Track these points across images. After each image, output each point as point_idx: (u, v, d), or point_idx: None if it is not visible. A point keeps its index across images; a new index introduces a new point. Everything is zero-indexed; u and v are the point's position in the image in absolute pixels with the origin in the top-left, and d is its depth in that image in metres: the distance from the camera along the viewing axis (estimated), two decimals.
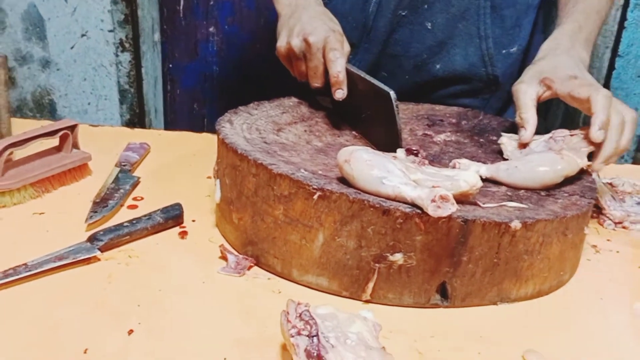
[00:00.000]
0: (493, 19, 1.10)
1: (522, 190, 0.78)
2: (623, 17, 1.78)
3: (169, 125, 2.17)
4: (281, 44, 0.96)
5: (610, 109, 0.81)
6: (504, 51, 1.13)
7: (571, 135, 0.85)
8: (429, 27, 1.10)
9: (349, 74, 0.90)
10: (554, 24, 1.08)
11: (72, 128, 0.95)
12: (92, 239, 0.77)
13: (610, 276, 0.81)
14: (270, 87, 1.11)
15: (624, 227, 0.92)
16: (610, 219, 0.92)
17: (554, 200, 0.76)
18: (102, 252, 0.76)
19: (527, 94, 0.90)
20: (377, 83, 0.87)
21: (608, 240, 0.89)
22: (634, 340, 0.69)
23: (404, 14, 1.10)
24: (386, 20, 1.10)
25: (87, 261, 0.75)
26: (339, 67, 0.89)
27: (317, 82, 0.94)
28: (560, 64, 0.92)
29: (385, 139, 0.87)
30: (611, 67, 1.84)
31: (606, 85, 1.84)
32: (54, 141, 0.95)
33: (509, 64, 1.14)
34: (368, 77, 0.89)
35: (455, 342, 0.66)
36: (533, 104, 0.89)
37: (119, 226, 0.80)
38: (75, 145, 0.97)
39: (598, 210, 0.94)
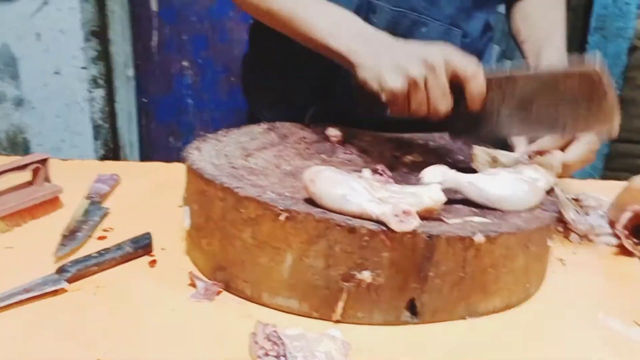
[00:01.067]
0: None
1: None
2: (584, 40, 1.84)
3: (144, 160, 2.17)
4: (394, 82, 0.84)
5: None
6: None
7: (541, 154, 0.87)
8: None
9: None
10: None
11: (43, 162, 0.96)
12: (60, 270, 0.77)
13: (576, 288, 0.82)
14: (245, 119, 1.13)
15: (589, 240, 0.94)
16: (575, 233, 0.94)
17: (518, 214, 0.78)
18: (69, 283, 0.76)
19: None
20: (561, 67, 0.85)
21: (574, 253, 0.91)
22: (601, 350, 0.70)
23: None
24: None
25: (54, 293, 0.75)
26: (480, 82, 0.84)
27: (445, 105, 0.85)
28: None
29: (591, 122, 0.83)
30: None
31: None
32: (28, 176, 0.95)
33: None
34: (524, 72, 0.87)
35: (425, 358, 0.66)
36: None
37: (87, 257, 0.80)
38: (46, 179, 0.97)
39: (564, 224, 0.96)
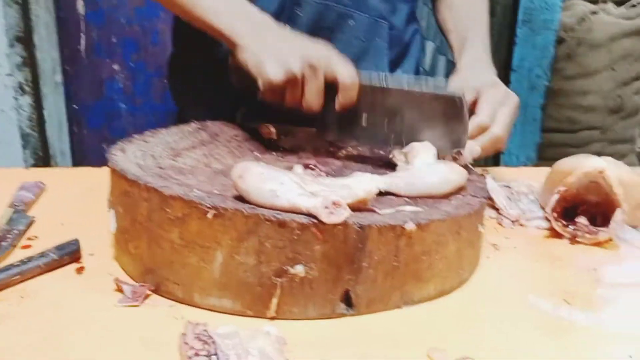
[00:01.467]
0: (388, 57, 1.15)
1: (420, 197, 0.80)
2: (512, 33, 1.88)
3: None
4: (275, 72, 0.87)
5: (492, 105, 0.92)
6: None
7: None
8: None
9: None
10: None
11: None
12: None
13: (509, 272, 0.83)
14: (179, 120, 1.10)
15: (520, 225, 0.96)
16: (507, 218, 0.96)
17: (448, 201, 0.78)
18: None
19: None
20: (431, 91, 0.90)
21: (506, 238, 0.92)
22: (532, 330, 0.71)
23: None
24: None
25: None
26: (353, 92, 0.89)
27: (317, 104, 0.90)
28: (480, 74, 1.03)
29: (444, 144, 0.90)
30: (506, 81, 1.94)
31: None
32: None
33: None
34: (399, 87, 0.92)
35: (362, 349, 0.66)
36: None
37: (9, 267, 0.76)
38: None
39: (496, 211, 0.97)
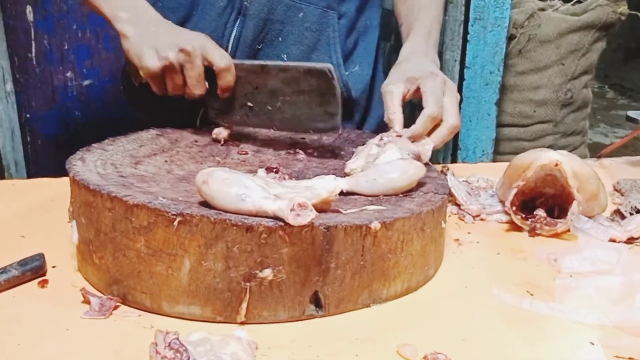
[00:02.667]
0: (342, 47, 1.15)
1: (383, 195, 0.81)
2: (465, 31, 1.91)
3: (32, 178, 2.05)
4: (151, 61, 0.94)
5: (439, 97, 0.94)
6: (347, 72, 1.18)
7: (397, 136, 0.91)
8: (285, 58, 1.13)
9: (242, 67, 0.96)
10: (395, 31, 1.18)
11: None
12: None
13: (472, 265, 0.85)
14: (136, 127, 1.08)
15: (482, 220, 0.98)
16: (468, 214, 0.98)
17: (411, 199, 0.79)
18: None
19: (393, 94, 0.97)
20: (303, 64, 0.94)
21: (469, 233, 0.94)
22: (497, 322, 0.73)
23: (259, 47, 1.12)
24: (244, 54, 1.12)
25: None
26: (230, 75, 0.95)
27: (200, 90, 0.96)
28: (418, 63, 1.04)
29: (316, 118, 0.95)
30: (461, 78, 1.97)
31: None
32: None
33: (356, 81, 1.20)
34: (282, 63, 0.95)
35: (332, 348, 0.67)
36: (399, 104, 0.97)
37: None
38: None
39: (457, 207, 0.99)
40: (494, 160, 2.22)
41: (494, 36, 1.97)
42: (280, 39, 1.13)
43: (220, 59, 0.94)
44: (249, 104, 0.99)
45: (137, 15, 0.98)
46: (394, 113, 0.96)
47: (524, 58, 2.20)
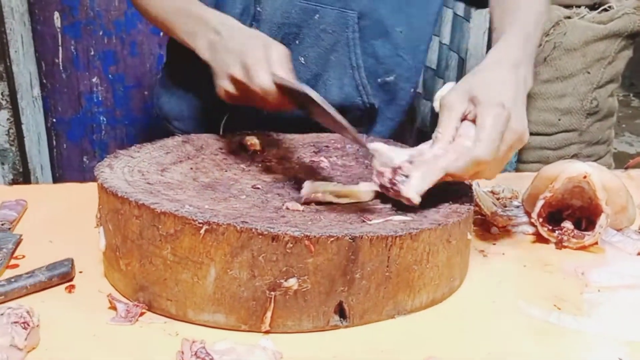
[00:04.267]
0: (364, 49, 1.13)
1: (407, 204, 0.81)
2: (490, 39, 1.90)
3: (57, 182, 2.08)
4: (220, 93, 0.93)
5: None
6: (379, 80, 1.16)
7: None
8: (303, 62, 1.12)
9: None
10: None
11: None
12: None
13: (498, 277, 0.84)
14: (161, 132, 1.10)
15: (507, 231, 0.97)
16: (493, 224, 0.97)
17: (436, 210, 0.79)
18: None
19: (452, 111, 0.80)
20: (294, 85, 0.85)
21: (494, 244, 0.93)
22: (524, 336, 0.72)
23: None
24: None
25: None
26: (271, 97, 0.88)
27: (268, 104, 0.90)
28: (495, 82, 0.82)
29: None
30: None
31: None
32: None
33: (386, 92, 1.18)
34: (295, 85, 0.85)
35: None
36: (455, 124, 0.80)
37: None
38: None
39: (482, 217, 0.98)
40: (517, 169, 2.20)
41: None
42: (297, 42, 1.12)
43: (259, 82, 0.86)
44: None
45: (207, 37, 0.98)
46: (441, 133, 0.79)
47: (549, 66, 2.18)
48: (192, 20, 1.01)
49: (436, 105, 0.85)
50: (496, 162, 0.78)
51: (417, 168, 0.78)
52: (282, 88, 0.86)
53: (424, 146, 0.82)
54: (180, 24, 1.03)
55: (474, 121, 0.79)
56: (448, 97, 0.82)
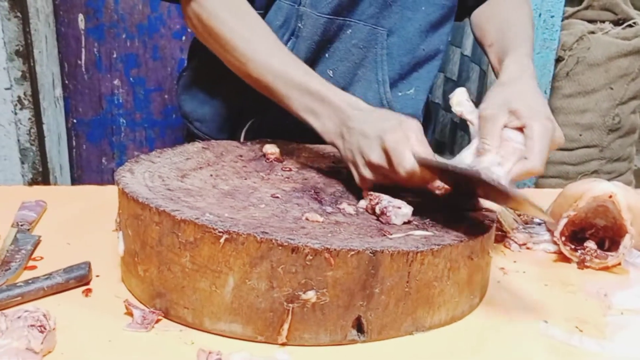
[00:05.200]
0: (390, 65, 1.14)
1: (428, 219, 0.80)
2: None
3: (75, 182, 2.10)
4: (362, 170, 0.85)
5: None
6: (400, 94, 1.17)
7: None
8: (331, 75, 1.13)
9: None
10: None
11: None
12: None
13: (518, 296, 0.83)
14: (180, 137, 1.10)
15: (528, 248, 0.95)
16: (514, 241, 0.95)
17: (458, 226, 0.78)
18: None
19: (495, 122, 0.84)
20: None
21: (514, 261, 0.92)
22: (543, 357, 0.70)
23: (309, 65, 1.12)
24: None
25: None
26: (417, 178, 0.81)
27: (411, 185, 0.84)
28: (528, 93, 0.88)
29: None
30: None
31: None
32: None
33: (406, 105, 1.19)
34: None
35: None
36: (499, 133, 0.84)
37: (11, 286, 0.75)
38: None
39: (503, 234, 0.97)
40: (536, 183, 2.18)
41: (542, 58, 1.94)
42: (327, 55, 1.13)
43: (402, 168, 0.80)
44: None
45: (330, 118, 0.91)
46: (491, 141, 0.82)
47: (571, 81, 2.16)
48: (313, 98, 0.93)
49: (455, 109, 0.90)
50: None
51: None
52: (426, 166, 0.81)
53: (465, 152, 0.85)
54: (296, 98, 0.94)
55: (518, 129, 0.83)
56: (488, 109, 0.85)
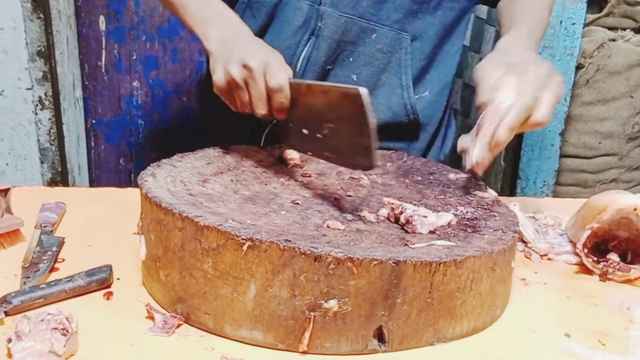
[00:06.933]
0: (413, 70, 1.14)
1: (450, 229, 0.79)
2: None
3: (93, 183, 2.11)
4: (219, 76, 0.94)
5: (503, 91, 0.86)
6: (416, 96, 1.17)
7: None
8: (355, 79, 1.13)
9: (299, 88, 0.90)
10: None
11: (5, 192, 0.90)
12: (2, 301, 0.73)
13: (540, 308, 0.82)
14: (198, 140, 1.10)
15: (549, 259, 0.95)
16: (535, 252, 0.95)
17: (480, 236, 0.77)
18: (10, 315, 0.72)
19: (491, 76, 0.88)
20: (341, 85, 0.85)
21: (535, 272, 0.91)
22: None
23: (330, 68, 1.13)
24: (314, 74, 1.12)
25: None
26: (282, 96, 0.90)
27: (262, 110, 0.93)
28: (524, 54, 0.94)
29: (354, 151, 0.84)
30: None
31: None
32: None
33: (424, 107, 1.18)
34: (327, 83, 0.89)
35: None
36: (494, 87, 0.87)
37: (34, 288, 0.75)
38: (8, 210, 0.91)
39: (524, 244, 0.96)
40: (554, 191, 2.16)
41: (562, 65, 1.92)
42: (351, 59, 1.13)
43: (272, 77, 0.90)
44: (305, 131, 0.92)
45: (223, 31, 0.99)
46: (485, 96, 0.87)
47: (591, 88, 2.13)
48: (211, 11, 1.02)
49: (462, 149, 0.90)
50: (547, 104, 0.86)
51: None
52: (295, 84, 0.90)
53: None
54: (194, 7, 1.04)
55: None
56: (483, 65, 0.92)
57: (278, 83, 0.90)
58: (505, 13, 1.14)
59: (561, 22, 1.85)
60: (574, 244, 0.93)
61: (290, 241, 0.67)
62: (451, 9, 1.15)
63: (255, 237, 0.67)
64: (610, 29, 2.19)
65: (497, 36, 1.18)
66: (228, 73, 0.93)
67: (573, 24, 1.87)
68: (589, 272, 0.91)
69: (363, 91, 0.80)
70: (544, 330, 0.77)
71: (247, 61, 0.91)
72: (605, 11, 2.22)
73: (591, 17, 2.18)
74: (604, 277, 0.89)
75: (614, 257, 0.89)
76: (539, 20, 1.08)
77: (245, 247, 0.67)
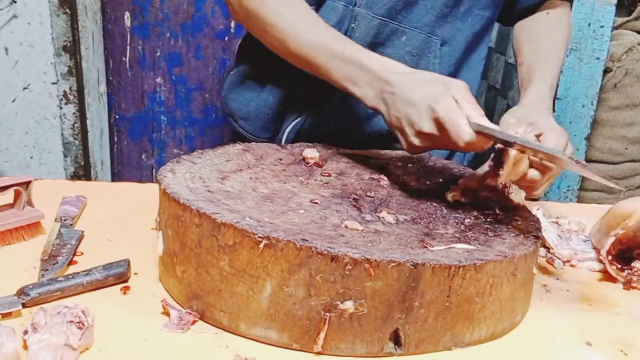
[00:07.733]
0: (441, 74, 1.13)
1: (470, 232, 0.78)
2: None
3: (115, 177, 2.13)
4: (412, 139, 0.85)
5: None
6: None
7: None
8: None
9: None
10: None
11: (26, 185, 0.91)
12: (20, 292, 0.73)
13: (561, 315, 0.80)
14: (219, 136, 1.10)
15: (572, 266, 0.93)
16: (558, 258, 0.93)
17: (502, 240, 0.76)
18: (27, 307, 0.72)
19: (515, 128, 0.90)
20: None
21: (557, 279, 0.89)
22: None
23: None
24: None
25: (9, 315, 0.71)
26: (465, 139, 0.79)
27: (464, 149, 0.82)
28: (546, 117, 0.93)
29: None
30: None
31: None
32: (9, 198, 0.90)
33: None
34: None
35: None
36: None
37: (52, 281, 0.76)
38: (29, 202, 0.92)
39: (546, 250, 0.95)
40: (579, 197, 2.13)
41: (589, 68, 1.89)
42: None
43: (457, 136, 0.79)
44: None
45: (380, 85, 0.90)
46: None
47: (619, 93, 2.10)
48: (351, 66, 0.92)
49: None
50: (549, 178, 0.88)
51: None
52: (482, 133, 0.80)
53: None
54: (335, 67, 0.94)
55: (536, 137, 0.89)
56: (507, 119, 0.92)
57: (464, 142, 0.79)
58: (524, 47, 1.15)
59: (589, 24, 1.82)
60: (597, 251, 0.91)
61: (307, 240, 0.66)
62: (481, 17, 1.14)
63: (272, 235, 0.66)
64: (639, 32, 2.15)
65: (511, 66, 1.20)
66: (412, 145, 0.86)
67: (602, 26, 1.84)
68: (613, 279, 0.89)
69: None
70: (564, 338, 0.75)
71: (420, 128, 0.83)
72: (634, 15, 2.18)
73: (620, 20, 2.14)
74: (627, 285, 0.87)
75: (638, 265, 0.86)
76: (558, 66, 1.11)
77: (261, 246, 0.66)
